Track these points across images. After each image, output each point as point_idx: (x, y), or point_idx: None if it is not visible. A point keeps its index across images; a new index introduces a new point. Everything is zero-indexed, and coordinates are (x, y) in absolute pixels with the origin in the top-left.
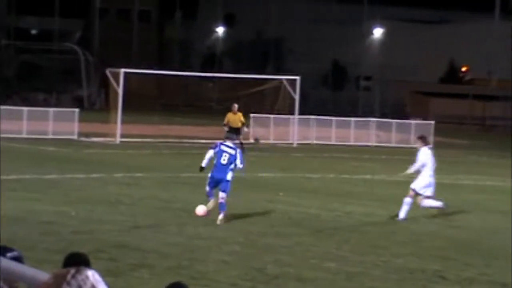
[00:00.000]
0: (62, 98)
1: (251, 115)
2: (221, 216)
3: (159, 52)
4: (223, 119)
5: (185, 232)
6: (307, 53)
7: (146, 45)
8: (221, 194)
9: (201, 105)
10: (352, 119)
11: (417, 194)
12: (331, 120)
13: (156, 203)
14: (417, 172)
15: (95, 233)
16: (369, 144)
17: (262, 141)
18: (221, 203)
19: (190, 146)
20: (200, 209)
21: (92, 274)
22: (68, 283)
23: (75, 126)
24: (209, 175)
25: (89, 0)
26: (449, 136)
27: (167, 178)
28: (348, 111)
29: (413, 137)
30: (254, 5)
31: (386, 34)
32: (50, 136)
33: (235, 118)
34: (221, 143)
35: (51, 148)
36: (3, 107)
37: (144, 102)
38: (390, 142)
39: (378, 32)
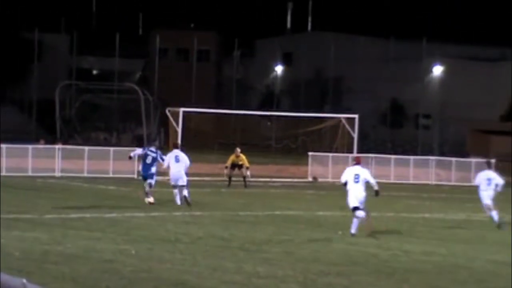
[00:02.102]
0: (123, 137)
1: (310, 153)
2: (151, 199)
3: (218, 91)
4: (282, 158)
5: (243, 270)
6: (365, 91)
7: (205, 84)
8: (150, 182)
9: (259, 144)
10: (411, 157)
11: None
12: (390, 158)
13: (214, 242)
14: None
15: (154, 272)
16: (429, 182)
17: (320, 180)
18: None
19: (248, 184)
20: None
21: None
22: None
23: (135, 165)
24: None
25: (149, 40)
26: (511, 175)
27: (226, 216)
28: (407, 150)
29: (473, 175)
30: (312, 43)
31: (446, 72)
32: (111, 175)
33: (237, 160)
34: (148, 148)
35: (112, 187)
36: (65, 146)
37: (202, 141)
38: (450, 181)
39: (437, 70)
